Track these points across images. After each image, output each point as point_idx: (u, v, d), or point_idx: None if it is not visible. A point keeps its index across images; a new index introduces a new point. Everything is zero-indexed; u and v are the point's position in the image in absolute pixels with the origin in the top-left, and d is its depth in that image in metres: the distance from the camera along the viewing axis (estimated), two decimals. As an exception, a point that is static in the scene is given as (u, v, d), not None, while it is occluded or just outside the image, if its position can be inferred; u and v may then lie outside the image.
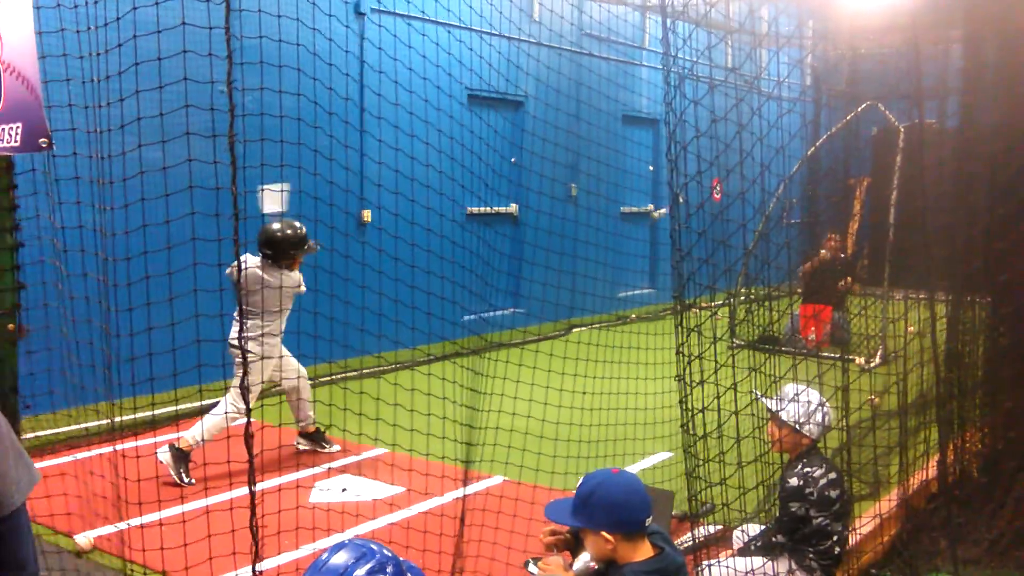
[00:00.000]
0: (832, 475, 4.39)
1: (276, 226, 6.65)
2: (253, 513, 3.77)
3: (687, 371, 3.85)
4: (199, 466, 6.37)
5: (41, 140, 3.98)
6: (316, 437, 7.24)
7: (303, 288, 6.84)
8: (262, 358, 6.59)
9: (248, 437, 3.74)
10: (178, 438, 6.46)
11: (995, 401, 5.57)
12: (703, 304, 4.27)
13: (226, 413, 6.46)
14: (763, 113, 4.20)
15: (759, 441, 4.41)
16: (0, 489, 2.24)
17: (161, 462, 6.29)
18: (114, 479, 4.94)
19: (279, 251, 6.60)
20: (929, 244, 5.42)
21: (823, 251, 11.90)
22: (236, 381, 6.53)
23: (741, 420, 4.09)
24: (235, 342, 6.42)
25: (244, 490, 4.01)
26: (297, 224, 6.71)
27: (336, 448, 7.19)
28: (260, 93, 5.15)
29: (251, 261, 6.54)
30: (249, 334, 6.59)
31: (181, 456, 6.38)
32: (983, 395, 5.80)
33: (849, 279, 11.79)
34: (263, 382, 6.77)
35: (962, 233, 5.63)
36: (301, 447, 7.20)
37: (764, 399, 4.46)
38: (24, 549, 2.32)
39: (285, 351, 6.89)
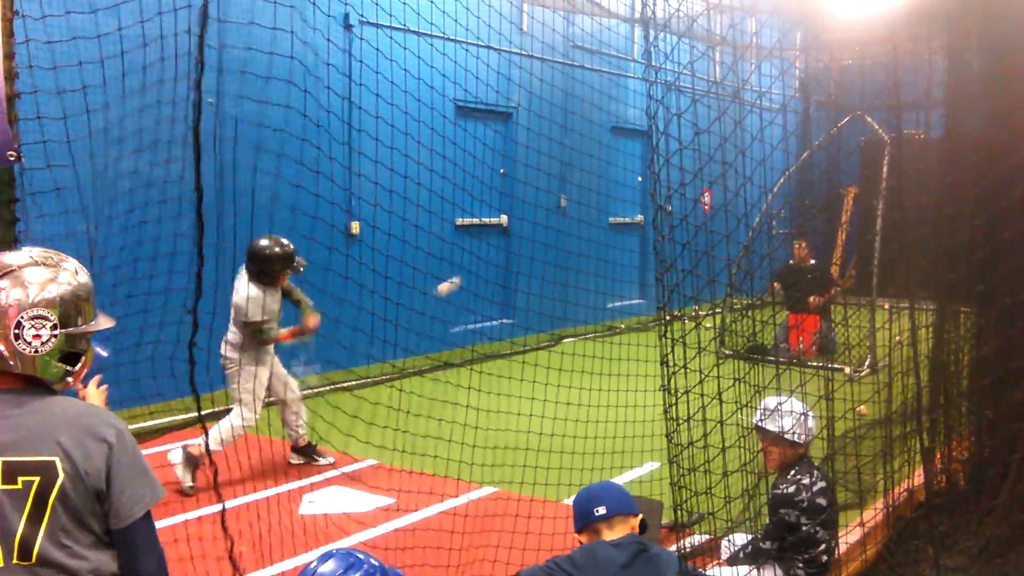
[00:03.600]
0: (822, 483, 4.43)
1: (264, 242, 6.57)
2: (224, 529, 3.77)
3: (672, 381, 3.86)
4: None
5: (9, 153, 4.00)
6: (307, 451, 7.25)
7: (253, 312, 6.70)
8: (243, 368, 6.63)
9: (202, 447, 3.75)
10: (193, 444, 6.54)
11: (980, 409, 5.60)
12: (691, 313, 4.30)
13: (232, 425, 6.60)
14: (749, 124, 4.23)
15: (744, 451, 4.43)
16: (120, 501, 2.46)
17: (172, 463, 6.41)
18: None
19: (264, 268, 6.58)
20: (909, 253, 5.45)
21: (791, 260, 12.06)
22: (234, 393, 6.64)
23: (726, 430, 4.11)
24: (225, 354, 6.73)
25: (227, 504, 4.02)
26: (285, 241, 6.65)
27: (330, 460, 7.19)
28: (247, 104, 5.18)
29: (252, 291, 6.55)
30: (234, 344, 6.71)
31: (191, 460, 6.47)
32: (968, 404, 5.82)
33: (831, 291, 11.84)
34: (251, 392, 6.77)
35: (945, 242, 5.67)
36: (294, 462, 7.20)
37: (761, 422, 4.47)
38: (142, 561, 2.51)
39: (279, 364, 6.92)
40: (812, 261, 12.20)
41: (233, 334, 6.70)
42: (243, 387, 6.54)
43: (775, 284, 11.47)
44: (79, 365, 2.55)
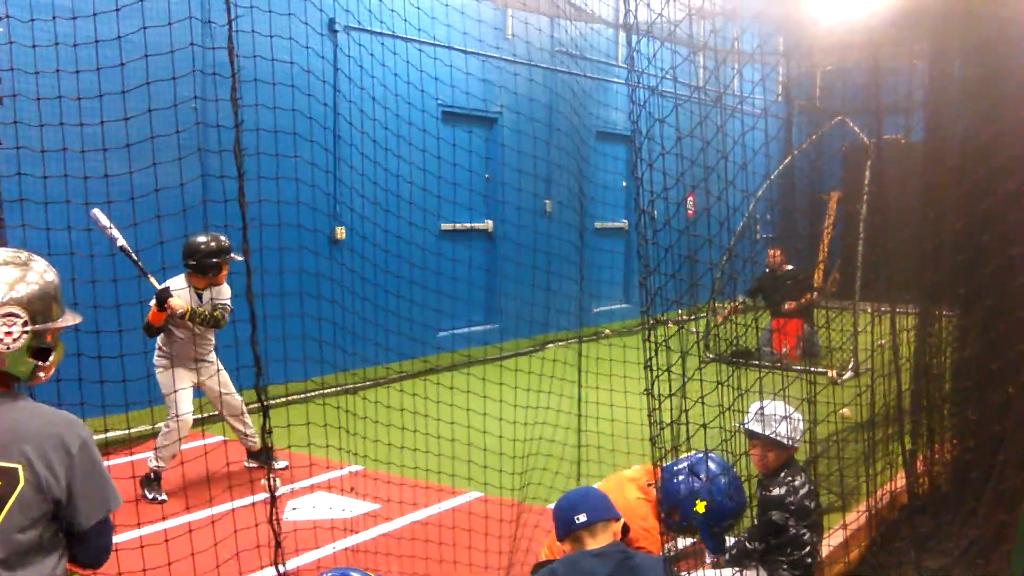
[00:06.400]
0: (809, 485, 4.46)
1: (200, 239, 6.64)
2: (276, 534, 3.78)
3: (655, 385, 3.87)
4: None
5: None
6: (262, 455, 7.21)
7: (228, 306, 6.75)
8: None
9: (267, 452, 3.77)
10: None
11: (962, 411, 5.63)
12: (674, 318, 4.30)
13: (166, 428, 6.59)
14: (731, 129, 4.25)
15: (727, 455, 4.44)
16: (80, 508, 2.60)
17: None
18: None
19: (201, 261, 6.60)
20: (891, 257, 5.47)
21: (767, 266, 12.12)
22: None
23: (710, 433, 4.12)
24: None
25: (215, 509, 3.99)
26: (221, 236, 6.70)
27: (284, 464, 7.15)
28: (230, 108, 5.16)
29: (176, 283, 6.58)
30: (164, 349, 6.70)
31: (146, 481, 6.53)
32: (951, 406, 5.85)
33: (808, 295, 11.88)
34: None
35: (927, 245, 5.70)
36: (249, 466, 7.18)
37: (749, 426, 4.48)
38: (91, 554, 2.73)
39: (223, 375, 6.85)
40: (789, 267, 12.24)
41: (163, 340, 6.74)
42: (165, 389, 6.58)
43: (748, 294, 11.57)
44: (49, 361, 2.64)
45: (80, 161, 4.98)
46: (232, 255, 6.73)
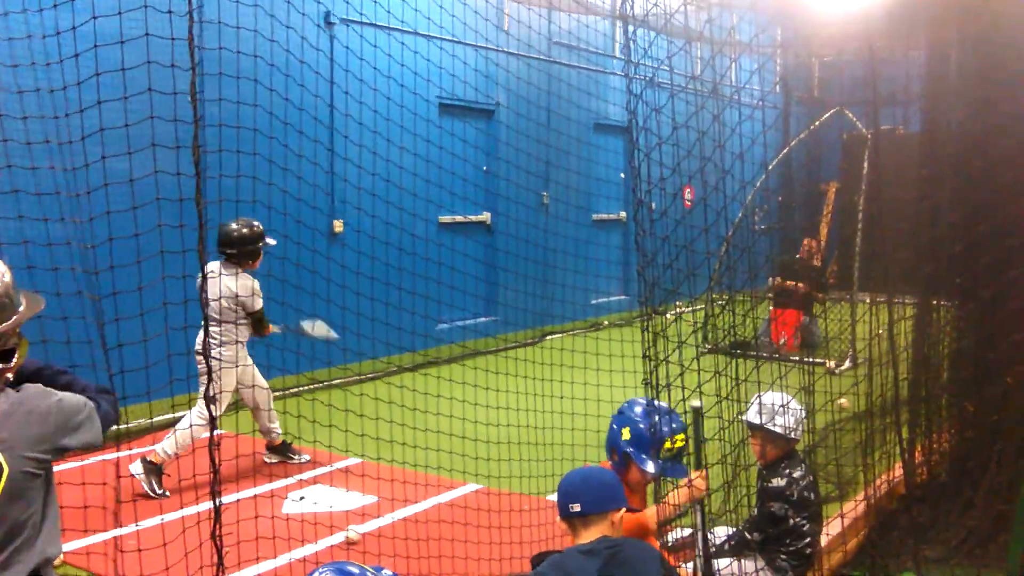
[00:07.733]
0: (810, 477, 4.47)
1: (233, 225, 6.63)
2: (217, 521, 3.74)
3: (654, 376, 3.88)
4: (169, 477, 6.36)
5: None
6: (282, 449, 7.20)
7: (259, 300, 6.76)
8: (227, 365, 6.59)
9: (212, 448, 3.71)
10: (151, 451, 6.45)
11: (960, 402, 5.64)
12: (674, 308, 4.31)
13: (191, 425, 6.44)
14: (728, 119, 4.24)
15: (725, 443, 4.45)
16: (79, 443, 2.71)
17: (133, 475, 6.29)
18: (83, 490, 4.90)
19: (241, 249, 6.64)
20: (888, 247, 5.48)
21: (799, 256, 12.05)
22: (202, 391, 6.52)
23: (707, 423, 4.13)
24: (200, 350, 6.50)
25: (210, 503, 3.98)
26: (254, 222, 6.70)
27: (306, 458, 7.15)
28: (229, 104, 5.15)
29: (213, 267, 6.50)
30: (224, 341, 6.61)
31: (153, 469, 6.36)
32: (948, 396, 5.87)
33: (815, 291, 11.87)
34: (230, 391, 6.74)
35: (924, 236, 5.71)
36: (268, 460, 7.16)
37: (748, 418, 4.49)
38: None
39: (248, 360, 6.86)
40: (814, 262, 12.20)
41: (222, 330, 6.63)
42: (221, 385, 6.51)
43: (778, 279, 11.51)
44: (13, 360, 2.59)
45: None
46: (266, 240, 6.78)
